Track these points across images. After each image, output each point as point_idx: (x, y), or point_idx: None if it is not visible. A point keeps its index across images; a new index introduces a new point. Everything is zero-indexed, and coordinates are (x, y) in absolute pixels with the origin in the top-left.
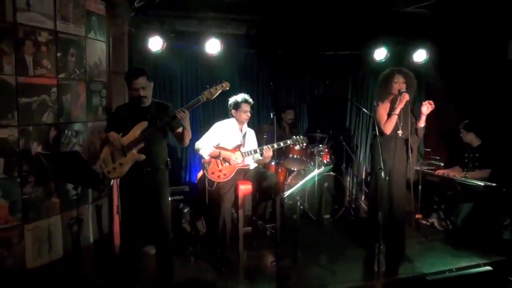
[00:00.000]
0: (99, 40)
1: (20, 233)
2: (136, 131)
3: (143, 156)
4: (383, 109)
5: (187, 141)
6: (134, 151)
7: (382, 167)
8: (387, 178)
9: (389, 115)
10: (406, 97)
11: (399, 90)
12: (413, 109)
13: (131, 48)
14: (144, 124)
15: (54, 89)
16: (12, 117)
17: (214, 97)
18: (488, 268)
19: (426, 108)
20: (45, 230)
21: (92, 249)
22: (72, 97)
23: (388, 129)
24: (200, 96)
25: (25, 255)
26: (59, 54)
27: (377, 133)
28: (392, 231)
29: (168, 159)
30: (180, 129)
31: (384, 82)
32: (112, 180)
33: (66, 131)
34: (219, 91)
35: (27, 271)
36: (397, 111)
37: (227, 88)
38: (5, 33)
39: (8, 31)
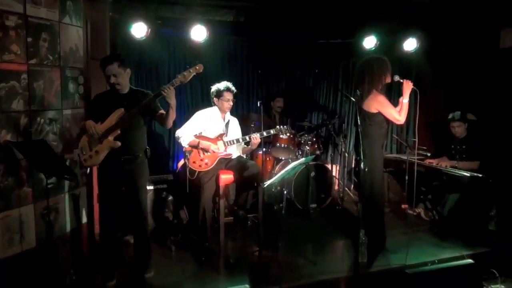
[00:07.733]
0: (75, 26)
1: None
2: (112, 118)
3: (118, 143)
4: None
5: (170, 122)
6: (110, 138)
7: (362, 157)
8: (366, 169)
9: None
10: (410, 84)
11: (393, 78)
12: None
13: (114, 34)
14: (120, 111)
15: (24, 75)
16: None
17: (188, 80)
18: (470, 260)
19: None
20: (16, 220)
21: (68, 238)
22: (45, 83)
23: (404, 118)
24: (174, 80)
25: None
26: (29, 39)
27: (387, 123)
28: (371, 221)
29: (147, 147)
30: (161, 111)
31: (382, 71)
32: (88, 169)
33: (39, 119)
34: (193, 74)
35: None
36: (407, 98)
37: (201, 70)
38: None
39: None
